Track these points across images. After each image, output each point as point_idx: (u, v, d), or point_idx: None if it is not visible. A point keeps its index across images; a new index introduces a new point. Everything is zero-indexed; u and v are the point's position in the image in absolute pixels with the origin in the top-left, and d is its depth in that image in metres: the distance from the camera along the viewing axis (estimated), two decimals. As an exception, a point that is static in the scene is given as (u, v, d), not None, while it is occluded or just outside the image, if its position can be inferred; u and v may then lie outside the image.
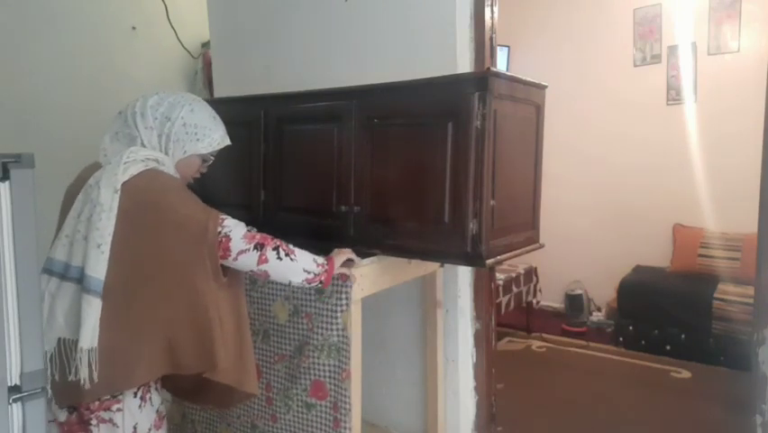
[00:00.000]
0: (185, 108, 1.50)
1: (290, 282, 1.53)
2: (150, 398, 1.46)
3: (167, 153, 1.50)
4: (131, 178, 1.38)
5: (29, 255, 1.06)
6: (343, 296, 1.69)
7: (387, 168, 1.74)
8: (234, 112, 2.19)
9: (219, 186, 2.20)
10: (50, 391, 1.30)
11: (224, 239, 1.40)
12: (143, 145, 1.48)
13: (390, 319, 2.40)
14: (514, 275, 3.84)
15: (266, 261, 1.43)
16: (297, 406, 1.80)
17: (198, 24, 3.29)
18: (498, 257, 1.67)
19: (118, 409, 1.39)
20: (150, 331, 1.38)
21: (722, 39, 3.87)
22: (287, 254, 1.47)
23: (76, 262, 1.36)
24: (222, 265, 1.43)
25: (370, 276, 1.76)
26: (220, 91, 2.93)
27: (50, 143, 2.65)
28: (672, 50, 4.06)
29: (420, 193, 1.67)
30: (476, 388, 2.35)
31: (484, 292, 2.29)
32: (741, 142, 3.48)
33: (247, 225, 1.48)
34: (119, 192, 1.35)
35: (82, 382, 1.30)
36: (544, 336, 4.01)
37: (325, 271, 1.55)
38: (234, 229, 1.42)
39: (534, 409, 2.93)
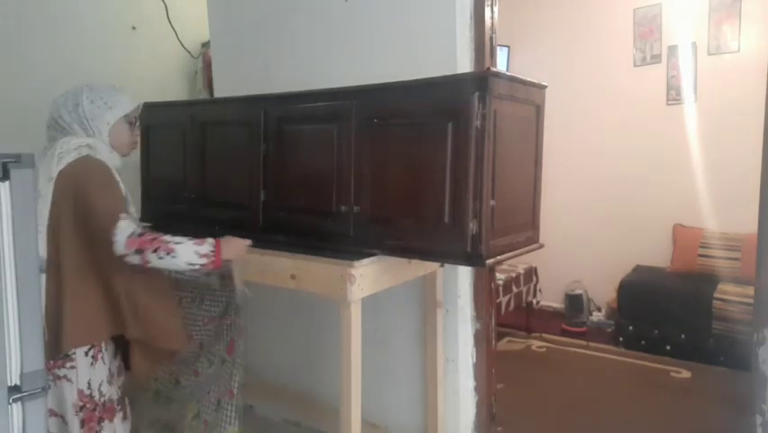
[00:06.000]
0: (84, 91, 1.69)
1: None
2: (102, 357, 1.66)
3: (94, 135, 1.68)
4: (65, 166, 1.59)
5: (29, 255, 1.06)
6: None
7: (387, 168, 1.74)
8: (234, 112, 2.20)
9: (219, 185, 2.21)
10: None
11: (113, 239, 1.55)
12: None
13: (390, 319, 2.40)
14: (514, 275, 3.83)
15: (148, 262, 1.57)
16: (218, 361, 2.01)
17: (198, 24, 3.28)
18: (498, 257, 1.67)
19: (72, 367, 1.60)
20: (83, 299, 1.60)
21: (722, 39, 3.87)
22: (167, 253, 1.57)
23: None
24: None
25: (369, 276, 1.75)
26: (220, 91, 2.92)
27: (50, 143, 2.65)
28: (672, 50, 4.06)
29: (420, 193, 1.67)
30: (476, 388, 2.35)
31: (484, 292, 2.29)
32: (741, 143, 3.48)
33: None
34: (53, 180, 1.56)
35: None
36: (544, 336, 4.01)
37: (211, 261, 1.64)
38: (119, 234, 1.55)
39: (534, 409, 2.92)
